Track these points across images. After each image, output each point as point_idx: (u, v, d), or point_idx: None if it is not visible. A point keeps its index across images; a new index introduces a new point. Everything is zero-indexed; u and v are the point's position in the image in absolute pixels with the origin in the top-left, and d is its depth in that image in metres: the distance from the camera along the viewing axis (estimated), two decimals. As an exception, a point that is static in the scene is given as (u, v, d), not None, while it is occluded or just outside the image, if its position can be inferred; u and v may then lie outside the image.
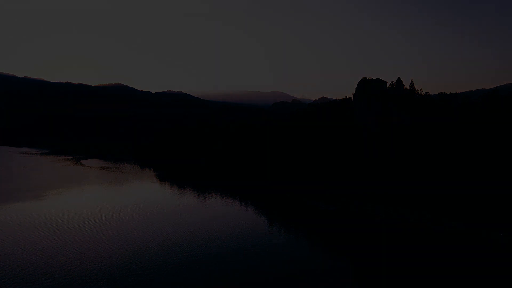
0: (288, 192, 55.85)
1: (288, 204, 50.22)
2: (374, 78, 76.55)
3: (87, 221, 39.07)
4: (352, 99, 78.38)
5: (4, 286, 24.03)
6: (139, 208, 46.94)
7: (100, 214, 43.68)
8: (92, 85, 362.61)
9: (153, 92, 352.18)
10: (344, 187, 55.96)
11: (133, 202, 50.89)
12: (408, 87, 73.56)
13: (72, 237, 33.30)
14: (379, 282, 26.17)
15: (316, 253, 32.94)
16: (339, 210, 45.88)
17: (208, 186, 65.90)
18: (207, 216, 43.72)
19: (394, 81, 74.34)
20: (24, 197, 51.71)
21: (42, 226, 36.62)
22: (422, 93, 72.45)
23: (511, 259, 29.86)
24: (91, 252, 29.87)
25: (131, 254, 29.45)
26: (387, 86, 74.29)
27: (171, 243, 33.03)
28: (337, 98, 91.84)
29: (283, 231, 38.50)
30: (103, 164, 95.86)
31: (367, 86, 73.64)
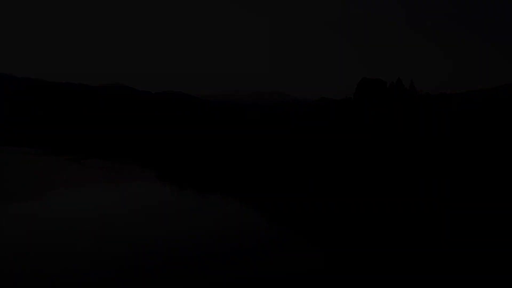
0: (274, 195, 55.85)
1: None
2: (374, 78, 77.11)
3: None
4: (352, 99, 78.90)
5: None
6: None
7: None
8: (92, 85, 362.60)
9: (153, 92, 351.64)
10: (343, 188, 55.97)
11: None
12: (408, 87, 74.16)
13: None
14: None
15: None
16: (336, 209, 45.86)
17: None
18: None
19: (394, 81, 74.94)
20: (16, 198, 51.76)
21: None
22: (422, 93, 73.00)
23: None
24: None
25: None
26: (387, 86, 74.84)
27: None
28: (337, 98, 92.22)
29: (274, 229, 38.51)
30: (102, 164, 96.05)
31: (367, 86, 74.13)
